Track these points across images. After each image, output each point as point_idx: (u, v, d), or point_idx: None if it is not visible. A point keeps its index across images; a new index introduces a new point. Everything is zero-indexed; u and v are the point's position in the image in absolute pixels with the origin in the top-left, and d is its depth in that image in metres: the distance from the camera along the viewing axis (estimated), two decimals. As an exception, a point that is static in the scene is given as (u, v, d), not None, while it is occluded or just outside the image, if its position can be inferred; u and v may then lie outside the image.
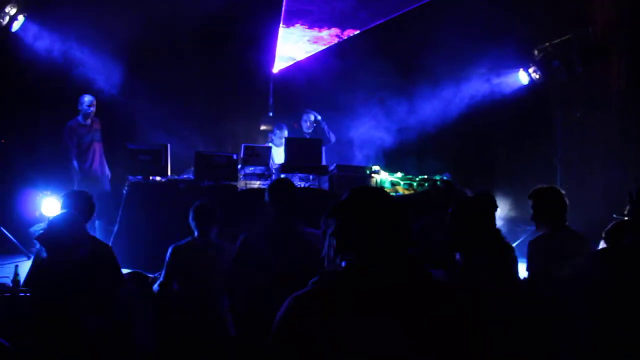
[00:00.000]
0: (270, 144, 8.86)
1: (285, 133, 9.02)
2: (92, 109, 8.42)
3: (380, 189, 2.24)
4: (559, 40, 9.40)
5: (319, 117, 9.10)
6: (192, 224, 4.94)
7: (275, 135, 9.12)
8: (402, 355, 1.83)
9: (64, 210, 4.43)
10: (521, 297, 3.44)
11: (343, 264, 1.99)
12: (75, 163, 8.37)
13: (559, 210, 4.41)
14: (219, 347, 4.42)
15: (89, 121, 8.49)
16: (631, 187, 4.91)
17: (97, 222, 7.33)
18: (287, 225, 4.09)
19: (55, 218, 4.18)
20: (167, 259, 4.89)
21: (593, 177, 9.01)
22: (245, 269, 3.95)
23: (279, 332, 1.90)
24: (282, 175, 7.51)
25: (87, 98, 8.39)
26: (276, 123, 9.53)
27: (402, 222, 2.01)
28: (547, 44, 9.56)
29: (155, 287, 4.91)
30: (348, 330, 1.83)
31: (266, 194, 4.23)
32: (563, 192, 4.58)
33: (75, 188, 7.76)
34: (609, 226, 3.78)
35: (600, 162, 8.97)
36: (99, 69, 9.10)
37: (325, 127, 9.11)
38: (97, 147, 8.60)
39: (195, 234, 4.94)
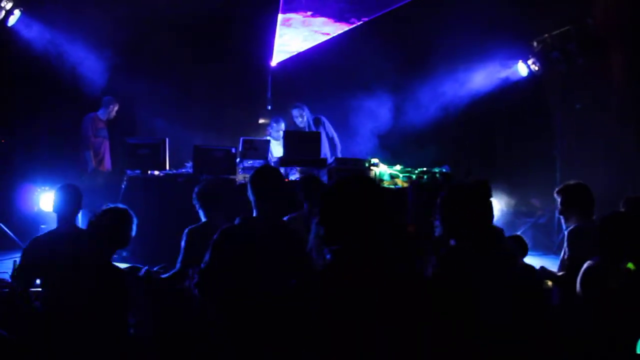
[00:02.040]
0: (268, 138, 8.86)
1: (283, 126, 9.01)
2: (114, 114, 9.28)
3: (367, 177, 2.24)
4: (558, 31, 9.41)
5: (304, 111, 8.87)
6: (201, 210, 4.98)
7: (273, 128, 9.12)
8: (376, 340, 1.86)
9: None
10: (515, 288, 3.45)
11: (328, 256, 2.00)
12: (90, 153, 8.97)
13: (590, 203, 4.79)
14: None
15: (105, 118, 9.23)
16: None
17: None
18: (269, 218, 3.80)
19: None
20: (183, 244, 4.86)
21: (592, 168, 9.02)
22: (220, 261, 3.68)
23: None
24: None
25: (116, 107, 9.25)
26: (274, 116, 9.52)
27: (387, 211, 2.01)
28: (547, 35, 9.57)
29: (166, 275, 4.85)
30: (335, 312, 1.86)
31: (248, 184, 3.88)
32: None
33: (86, 179, 8.33)
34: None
35: (600, 154, 8.98)
36: (98, 64, 9.16)
37: (327, 125, 8.95)
38: (107, 144, 9.26)
39: (203, 219, 4.96)
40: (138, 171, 7.39)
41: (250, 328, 3.53)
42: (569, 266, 4.51)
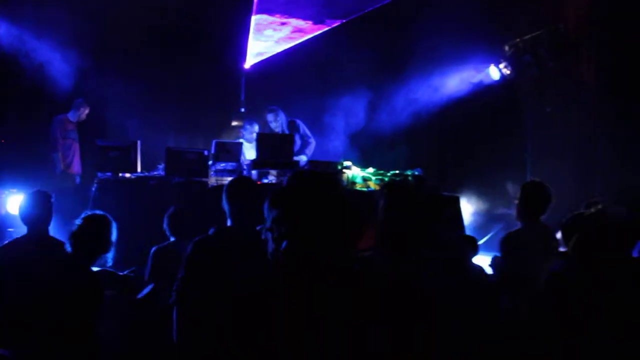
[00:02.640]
0: (241, 140, 8.85)
1: (256, 128, 9.01)
2: (84, 117, 9.30)
3: (319, 173, 2.18)
4: (529, 36, 9.56)
5: (279, 116, 8.86)
6: (168, 230, 5.10)
7: (246, 130, 9.11)
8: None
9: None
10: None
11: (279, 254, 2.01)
12: (58, 155, 8.99)
13: (537, 204, 4.59)
14: None
15: (75, 120, 9.23)
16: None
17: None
18: (245, 229, 3.76)
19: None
20: (149, 264, 5.04)
21: (563, 172, 9.18)
22: (196, 275, 3.66)
23: None
24: (247, 174, 7.58)
25: (87, 109, 9.25)
26: (247, 119, 9.52)
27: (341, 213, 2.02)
28: (518, 39, 9.71)
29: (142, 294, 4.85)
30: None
31: (223, 194, 3.88)
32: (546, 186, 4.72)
33: (54, 181, 8.41)
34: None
35: (570, 157, 9.14)
36: (68, 64, 9.07)
37: (303, 128, 8.98)
38: (77, 147, 9.25)
39: (171, 239, 5.09)
40: (109, 174, 7.31)
41: (225, 339, 3.54)
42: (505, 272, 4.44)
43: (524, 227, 4.61)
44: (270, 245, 2.08)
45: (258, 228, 4.82)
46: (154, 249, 5.13)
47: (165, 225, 5.21)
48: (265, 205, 2.09)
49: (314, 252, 2.01)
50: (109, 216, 4.10)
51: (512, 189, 9.52)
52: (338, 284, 1.99)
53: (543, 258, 4.23)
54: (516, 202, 4.73)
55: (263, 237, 2.14)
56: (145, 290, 4.88)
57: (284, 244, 2.03)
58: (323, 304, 1.95)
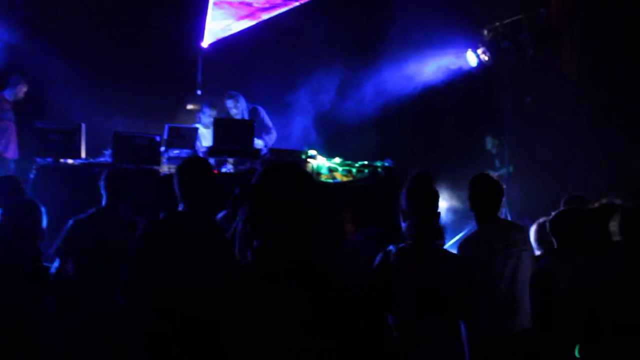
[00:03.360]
0: (197, 125, 8.71)
1: (215, 113, 8.86)
2: (22, 95, 9.07)
3: (292, 165, 2.17)
4: (509, 20, 9.58)
5: (240, 102, 8.75)
6: (102, 192, 4.84)
7: (203, 114, 8.96)
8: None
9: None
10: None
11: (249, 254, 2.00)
12: None
13: (491, 202, 4.50)
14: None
15: (12, 98, 9.01)
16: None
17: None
18: (195, 216, 3.74)
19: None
20: (63, 234, 4.73)
21: (542, 164, 9.25)
22: (147, 264, 3.63)
23: None
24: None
25: (25, 87, 9.00)
26: (204, 102, 9.35)
27: (320, 207, 2.04)
28: (497, 24, 9.72)
29: (52, 270, 4.70)
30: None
31: (175, 177, 3.83)
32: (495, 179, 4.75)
33: None
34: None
35: (549, 149, 9.21)
36: (5, 39, 8.84)
37: (265, 117, 8.85)
38: (13, 129, 9.04)
39: (103, 203, 4.81)
40: (49, 159, 7.16)
41: (176, 329, 3.49)
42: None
43: (480, 229, 4.50)
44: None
45: (220, 215, 4.77)
46: (73, 219, 4.86)
47: (100, 183, 4.97)
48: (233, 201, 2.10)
49: (287, 253, 2.00)
50: (37, 202, 3.99)
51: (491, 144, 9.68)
52: (309, 286, 1.99)
53: (503, 257, 4.28)
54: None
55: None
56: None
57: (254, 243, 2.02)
58: (293, 307, 1.96)
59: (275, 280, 1.98)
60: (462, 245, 4.44)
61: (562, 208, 4.67)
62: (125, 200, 4.90)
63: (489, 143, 10.28)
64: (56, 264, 4.69)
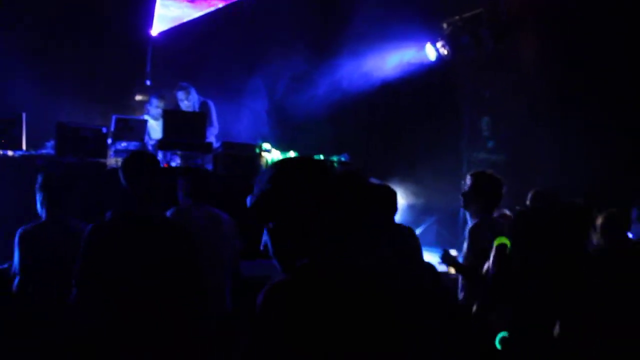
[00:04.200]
0: (146, 117, 8.61)
1: (163, 104, 8.76)
2: None
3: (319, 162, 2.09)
4: (469, 14, 9.66)
5: (191, 94, 8.68)
6: (38, 205, 4.53)
7: (151, 105, 8.85)
8: None
9: None
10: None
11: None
12: None
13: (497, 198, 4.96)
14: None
15: None
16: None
17: None
18: (145, 213, 3.73)
19: None
20: (17, 249, 4.46)
21: (499, 162, 9.37)
22: (94, 264, 3.57)
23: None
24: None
25: None
26: (154, 93, 9.24)
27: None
28: (457, 17, 9.80)
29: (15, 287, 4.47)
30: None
31: (120, 173, 3.77)
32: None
33: None
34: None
35: (508, 147, 9.34)
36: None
37: (213, 112, 8.81)
38: None
39: (43, 217, 4.51)
40: (-13, 151, 7.00)
41: (133, 332, 3.49)
42: (473, 260, 4.70)
43: (482, 220, 4.85)
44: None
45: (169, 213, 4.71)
46: (20, 230, 4.53)
47: (37, 192, 4.61)
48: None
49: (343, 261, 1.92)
50: None
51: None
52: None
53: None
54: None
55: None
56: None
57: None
58: None
59: (338, 293, 1.86)
60: (472, 230, 4.79)
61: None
62: (70, 210, 4.58)
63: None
64: (16, 280, 4.47)
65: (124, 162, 3.83)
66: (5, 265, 4.89)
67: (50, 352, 4.10)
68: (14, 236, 4.54)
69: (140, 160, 3.86)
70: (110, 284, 3.52)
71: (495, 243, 4.10)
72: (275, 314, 1.79)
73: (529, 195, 5.61)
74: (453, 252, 5.18)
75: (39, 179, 4.63)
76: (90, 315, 3.58)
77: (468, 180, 4.98)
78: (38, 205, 4.59)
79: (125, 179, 3.74)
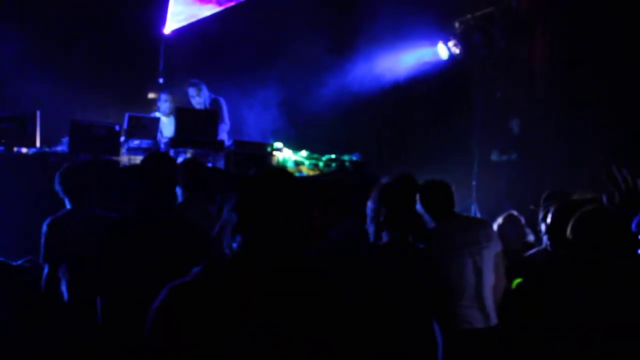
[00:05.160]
0: (158, 115, 8.67)
1: (173, 100, 8.80)
2: None
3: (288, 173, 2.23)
4: (481, 12, 9.67)
5: (202, 91, 8.76)
6: (62, 194, 4.75)
7: (160, 101, 8.90)
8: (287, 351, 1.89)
9: None
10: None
11: (234, 245, 2.00)
12: None
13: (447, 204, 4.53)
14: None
15: None
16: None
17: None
18: (164, 208, 3.88)
19: None
20: (43, 238, 4.61)
21: (511, 162, 9.38)
22: (116, 258, 3.69)
23: (153, 326, 1.90)
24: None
25: None
26: (165, 90, 9.31)
27: (303, 210, 2.06)
28: (469, 15, 9.81)
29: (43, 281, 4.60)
30: (232, 326, 1.85)
31: (139, 172, 4.00)
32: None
33: None
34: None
35: (520, 148, 9.35)
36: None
37: (224, 109, 8.89)
38: None
39: (68, 206, 4.73)
40: (1, 148, 7.09)
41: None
42: None
43: (438, 224, 4.50)
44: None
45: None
46: (47, 221, 4.75)
47: (56, 185, 4.83)
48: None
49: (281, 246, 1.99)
50: None
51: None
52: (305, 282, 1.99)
53: (464, 254, 4.34)
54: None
55: None
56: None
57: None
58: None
59: (267, 275, 1.94)
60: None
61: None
62: (91, 198, 4.79)
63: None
64: (45, 270, 4.59)
65: (143, 162, 4.06)
66: (20, 262, 4.96)
67: (79, 347, 4.18)
68: (30, 232, 4.65)
69: (160, 160, 4.06)
70: (132, 277, 3.61)
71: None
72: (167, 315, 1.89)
73: (543, 196, 5.51)
74: None
75: (57, 176, 4.80)
76: (111, 305, 3.69)
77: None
78: (61, 195, 4.77)
79: (144, 178, 3.89)
